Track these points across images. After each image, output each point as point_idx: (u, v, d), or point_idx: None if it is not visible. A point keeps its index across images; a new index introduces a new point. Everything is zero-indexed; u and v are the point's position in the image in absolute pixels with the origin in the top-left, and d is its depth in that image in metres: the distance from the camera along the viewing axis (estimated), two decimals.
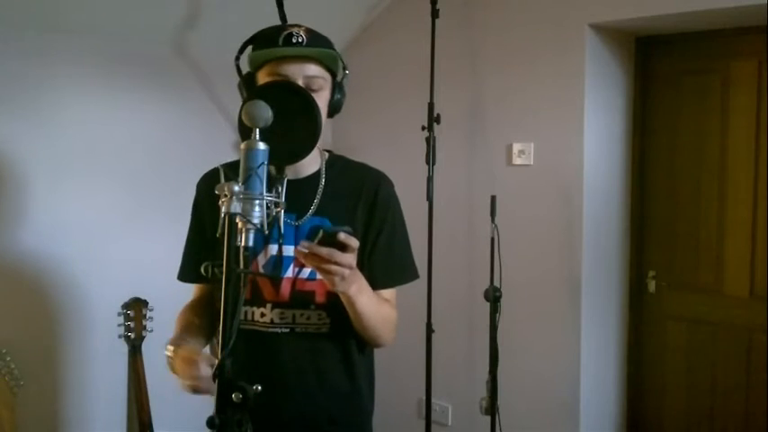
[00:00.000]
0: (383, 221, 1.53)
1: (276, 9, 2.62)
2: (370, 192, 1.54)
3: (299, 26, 1.44)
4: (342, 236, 1.26)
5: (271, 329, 1.49)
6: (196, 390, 1.29)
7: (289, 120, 1.28)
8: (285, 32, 1.41)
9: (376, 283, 1.51)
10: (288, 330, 1.50)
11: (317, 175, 1.54)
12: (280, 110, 1.19)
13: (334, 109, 1.51)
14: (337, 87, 1.50)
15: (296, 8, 2.56)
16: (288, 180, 1.44)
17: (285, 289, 1.49)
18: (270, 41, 1.42)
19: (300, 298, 1.49)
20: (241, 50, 1.51)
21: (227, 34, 2.88)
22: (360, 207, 1.53)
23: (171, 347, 1.39)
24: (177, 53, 2.89)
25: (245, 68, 1.50)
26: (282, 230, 1.44)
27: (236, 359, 1.12)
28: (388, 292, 1.55)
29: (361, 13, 3.34)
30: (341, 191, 1.54)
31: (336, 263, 1.26)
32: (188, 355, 1.34)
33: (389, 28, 3.35)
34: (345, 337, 1.52)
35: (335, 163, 1.58)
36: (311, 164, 1.54)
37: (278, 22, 2.60)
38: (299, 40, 1.41)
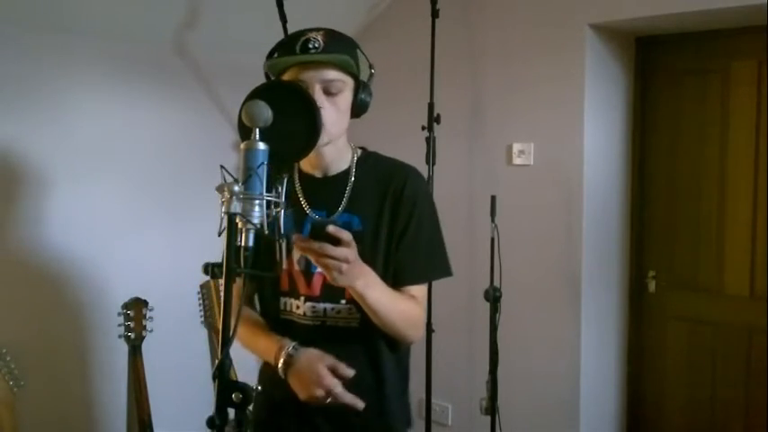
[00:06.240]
0: (409, 216, 1.53)
1: (276, 9, 2.62)
2: (398, 187, 1.54)
3: (317, 30, 1.46)
4: (331, 228, 1.27)
5: (304, 322, 1.53)
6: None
7: (289, 120, 1.28)
8: (303, 38, 1.43)
9: (402, 279, 1.52)
10: (319, 323, 1.53)
11: (346, 172, 1.56)
12: (280, 110, 1.19)
13: (359, 109, 1.52)
14: (361, 87, 1.51)
15: (296, 8, 2.56)
16: (317, 178, 1.53)
17: (317, 283, 1.52)
18: (289, 49, 1.44)
19: (331, 292, 1.51)
20: (268, 57, 1.52)
21: (227, 34, 2.90)
22: (387, 203, 1.53)
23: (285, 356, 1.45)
24: (177, 53, 2.89)
25: None
26: (283, 229, 1.44)
27: None
28: (415, 289, 1.54)
29: (361, 13, 3.34)
30: (370, 187, 1.54)
31: (330, 256, 1.27)
32: (308, 366, 1.42)
33: (389, 28, 3.35)
34: (375, 332, 1.51)
35: (367, 159, 1.60)
36: (342, 161, 1.56)
37: (278, 22, 2.60)
38: (316, 46, 1.42)
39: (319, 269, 1.48)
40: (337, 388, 1.39)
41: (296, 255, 1.52)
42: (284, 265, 1.53)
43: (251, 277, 1.54)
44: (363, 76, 1.52)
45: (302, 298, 1.53)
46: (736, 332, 2.85)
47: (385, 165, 1.60)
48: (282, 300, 1.56)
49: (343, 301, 1.51)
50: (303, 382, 1.41)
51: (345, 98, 1.48)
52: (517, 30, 2.96)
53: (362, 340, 1.53)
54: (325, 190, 1.51)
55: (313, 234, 1.28)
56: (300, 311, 1.54)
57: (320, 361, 1.41)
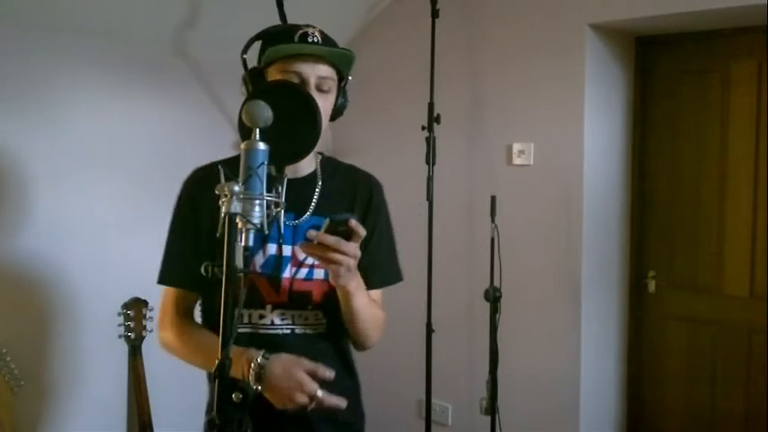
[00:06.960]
0: (375, 224, 1.55)
1: (276, 9, 2.62)
2: (365, 194, 1.56)
3: (312, 27, 1.44)
4: (353, 222, 1.27)
5: (271, 331, 1.49)
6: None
7: (289, 120, 1.28)
8: (300, 31, 1.41)
9: (366, 284, 1.51)
10: (288, 331, 1.49)
11: (313, 175, 1.55)
12: (280, 110, 1.19)
13: (336, 113, 1.51)
14: (341, 92, 1.50)
15: (296, 8, 2.56)
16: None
17: (285, 289, 1.48)
18: (285, 38, 1.41)
19: (298, 298, 1.49)
20: (248, 45, 1.50)
21: (227, 34, 2.89)
22: (355, 209, 1.54)
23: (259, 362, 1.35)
24: (177, 53, 2.89)
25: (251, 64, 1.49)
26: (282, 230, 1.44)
27: None
28: (375, 293, 1.57)
29: (361, 13, 3.34)
30: (337, 191, 1.55)
31: (343, 252, 1.27)
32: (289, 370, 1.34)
33: (389, 28, 3.35)
34: (341, 336, 1.54)
35: (328, 164, 1.60)
36: (307, 164, 1.54)
37: (278, 22, 2.60)
38: (315, 40, 1.41)
39: (286, 274, 1.46)
40: (320, 392, 1.33)
41: (260, 259, 1.46)
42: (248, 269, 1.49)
43: (190, 287, 1.51)
44: (344, 82, 1.51)
45: (268, 306, 1.47)
46: (736, 332, 2.85)
47: (348, 171, 1.61)
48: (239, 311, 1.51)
49: (310, 307, 1.49)
50: (282, 391, 1.33)
51: (331, 99, 1.46)
52: (517, 30, 2.96)
53: (332, 344, 1.53)
54: (292, 192, 1.44)
55: (330, 229, 1.27)
56: (266, 320, 1.48)
57: (298, 366, 1.34)
